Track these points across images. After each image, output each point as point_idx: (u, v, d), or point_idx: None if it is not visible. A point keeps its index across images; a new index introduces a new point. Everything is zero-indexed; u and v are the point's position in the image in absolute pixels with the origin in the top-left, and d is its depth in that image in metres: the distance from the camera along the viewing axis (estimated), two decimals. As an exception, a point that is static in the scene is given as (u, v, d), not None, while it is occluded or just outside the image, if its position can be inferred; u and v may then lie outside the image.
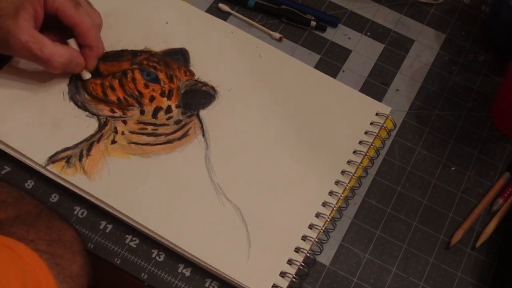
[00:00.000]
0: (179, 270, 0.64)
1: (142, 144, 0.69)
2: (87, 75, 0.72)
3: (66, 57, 0.68)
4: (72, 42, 0.69)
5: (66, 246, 0.55)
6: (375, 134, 0.73)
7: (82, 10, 0.68)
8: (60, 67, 0.68)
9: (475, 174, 0.75)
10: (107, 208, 0.65)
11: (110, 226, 0.66)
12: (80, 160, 0.67)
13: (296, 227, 0.67)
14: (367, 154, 0.72)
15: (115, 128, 0.70)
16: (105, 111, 0.71)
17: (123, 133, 0.69)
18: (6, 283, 0.47)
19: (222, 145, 0.70)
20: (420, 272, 0.68)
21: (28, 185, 0.67)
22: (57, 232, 0.56)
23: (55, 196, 0.67)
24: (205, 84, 0.74)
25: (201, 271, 0.64)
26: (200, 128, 0.71)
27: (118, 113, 0.71)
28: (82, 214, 0.66)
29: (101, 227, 0.65)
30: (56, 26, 0.69)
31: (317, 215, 0.68)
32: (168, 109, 0.72)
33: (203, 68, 0.75)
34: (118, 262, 0.64)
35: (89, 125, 0.69)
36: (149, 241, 0.65)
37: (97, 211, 0.66)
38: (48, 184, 0.67)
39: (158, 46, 0.76)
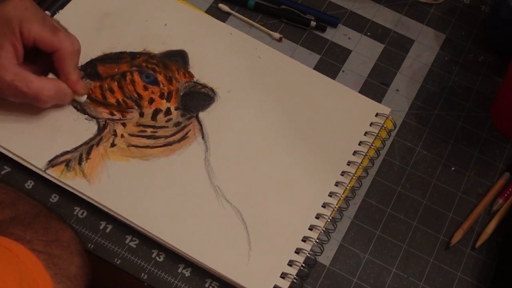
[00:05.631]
0: (179, 270, 0.65)
1: (142, 147, 0.69)
2: (82, 98, 0.71)
3: (54, 90, 0.67)
4: (51, 75, 0.68)
5: (64, 247, 0.56)
6: (375, 134, 0.73)
7: (61, 35, 0.67)
8: (50, 101, 0.67)
9: (475, 174, 0.75)
10: (107, 210, 0.65)
11: (110, 226, 0.66)
12: (79, 163, 0.67)
13: (296, 228, 0.67)
14: (367, 154, 0.72)
15: (115, 131, 0.70)
16: (104, 113, 0.71)
17: (122, 136, 0.70)
18: (2, 284, 0.47)
19: (222, 147, 0.70)
20: (420, 272, 0.68)
21: (28, 185, 0.67)
22: (54, 232, 0.56)
23: (55, 196, 0.67)
24: (204, 86, 0.74)
25: (201, 272, 0.65)
26: (199, 130, 0.71)
27: (117, 115, 0.71)
28: (82, 214, 0.66)
29: (101, 227, 0.66)
30: (35, 57, 0.68)
31: (318, 216, 0.68)
32: (167, 111, 0.72)
33: (202, 70, 0.75)
34: (118, 262, 0.64)
35: (88, 128, 0.69)
36: (149, 241, 0.65)
37: (97, 212, 0.66)
38: (48, 185, 0.67)
39: (157, 48, 0.76)
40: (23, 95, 0.65)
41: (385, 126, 0.74)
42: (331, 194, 0.69)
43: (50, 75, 0.68)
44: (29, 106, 0.69)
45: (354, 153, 0.72)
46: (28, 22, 0.65)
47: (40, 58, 0.69)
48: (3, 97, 0.66)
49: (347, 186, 0.70)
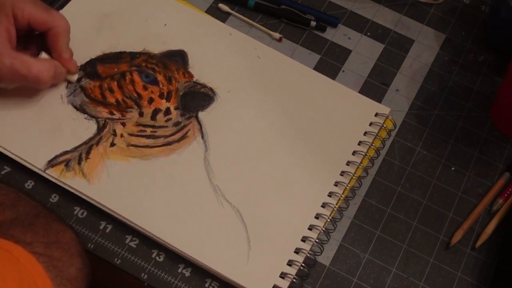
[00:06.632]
0: (179, 270, 0.65)
1: (141, 147, 0.69)
2: (74, 77, 0.72)
3: (53, 70, 0.67)
4: (44, 55, 0.69)
5: (64, 248, 0.56)
6: (375, 134, 0.73)
7: (55, 13, 0.68)
8: (49, 82, 0.67)
9: (475, 174, 0.75)
10: (107, 210, 0.65)
11: (110, 226, 0.66)
12: (79, 163, 0.67)
13: (296, 228, 0.67)
14: (367, 154, 0.72)
15: (114, 130, 0.70)
16: (103, 113, 0.71)
17: (122, 135, 0.70)
18: (3, 284, 0.47)
19: (221, 147, 0.70)
20: (420, 272, 0.68)
21: (28, 185, 0.67)
22: (55, 234, 0.56)
23: (55, 196, 0.67)
24: (204, 85, 0.74)
25: (201, 271, 0.65)
26: (199, 130, 0.71)
27: (117, 115, 0.71)
28: (82, 214, 0.66)
29: (101, 227, 0.66)
30: (26, 42, 0.69)
31: (317, 216, 0.68)
32: (167, 111, 0.72)
33: (201, 70, 0.75)
34: (118, 262, 0.64)
35: (88, 128, 0.69)
36: (149, 241, 0.65)
37: (97, 212, 0.66)
38: (48, 185, 0.67)
39: (156, 48, 0.76)
40: (24, 78, 0.65)
41: (385, 126, 0.74)
42: (330, 194, 0.69)
43: (43, 54, 0.69)
44: (29, 105, 0.69)
45: (354, 153, 0.72)
46: (20, 3, 0.65)
47: (31, 43, 0.69)
48: (4, 83, 0.66)
49: (347, 186, 0.70)
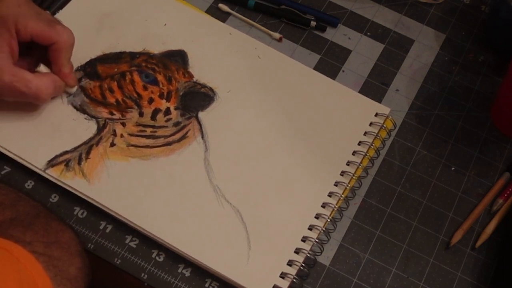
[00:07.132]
0: (179, 270, 0.65)
1: (141, 147, 0.69)
2: (73, 90, 0.71)
3: (52, 87, 0.67)
4: (43, 67, 0.68)
5: (64, 248, 0.56)
6: (375, 134, 0.74)
7: (58, 27, 0.67)
8: (48, 99, 0.67)
9: (475, 174, 0.75)
10: (107, 210, 0.65)
11: (110, 226, 0.66)
12: (79, 163, 0.67)
13: (296, 228, 0.67)
14: (367, 154, 0.72)
15: (114, 130, 0.70)
16: (103, 113, 0.71)
17: (122, 135, 0.70)
18: (3, 284, 0.47)
19: (221, 147, 0.70)
20: (420, 272, 0.68)
21: (28, 185, 0.67)
22: (54, 233, 0.56)
23: (55, 196, 0.67)
24: (204, 85, 0.74)
25: (201, 271, 0.65)
26: (199, 130, 0.71)
27: (117, 115, 0.71)
28: (82, 214, 0.66)
29: (101, 227, 0.66)
30: (28, 50, 0.69)
31: (317, 216, 0.68)
32: (167, 111, 0.72)
33: (201, 70, 0.75)
34: (118, 262, 0.64)
35: (88, 128, 0.69)
36: (149, 241, 0.65)
37: (97, 212, 0.66)
38: (48, 185, 0.67)
39: (156, 48, 0.76)
40: (23, 95, 0.65)
41: (385, 126, 0.74)
42: (330, 194, 0.69)
43: (42, 67, 0.68)
44: (29, 106, 0.69)
45: (354, 153, 0.72)
46: (23, 18, 0.65)
47: (31, 53, 0.69)
48: (2, 97, 0.66)
49: (347, 186, 0.70)
